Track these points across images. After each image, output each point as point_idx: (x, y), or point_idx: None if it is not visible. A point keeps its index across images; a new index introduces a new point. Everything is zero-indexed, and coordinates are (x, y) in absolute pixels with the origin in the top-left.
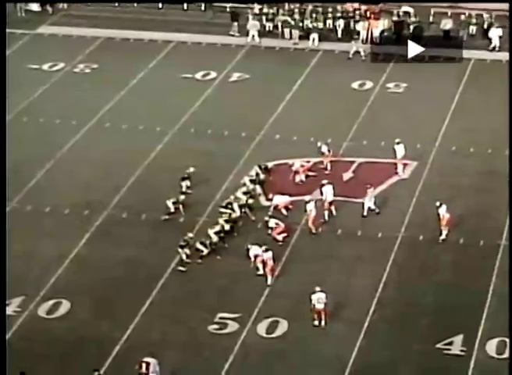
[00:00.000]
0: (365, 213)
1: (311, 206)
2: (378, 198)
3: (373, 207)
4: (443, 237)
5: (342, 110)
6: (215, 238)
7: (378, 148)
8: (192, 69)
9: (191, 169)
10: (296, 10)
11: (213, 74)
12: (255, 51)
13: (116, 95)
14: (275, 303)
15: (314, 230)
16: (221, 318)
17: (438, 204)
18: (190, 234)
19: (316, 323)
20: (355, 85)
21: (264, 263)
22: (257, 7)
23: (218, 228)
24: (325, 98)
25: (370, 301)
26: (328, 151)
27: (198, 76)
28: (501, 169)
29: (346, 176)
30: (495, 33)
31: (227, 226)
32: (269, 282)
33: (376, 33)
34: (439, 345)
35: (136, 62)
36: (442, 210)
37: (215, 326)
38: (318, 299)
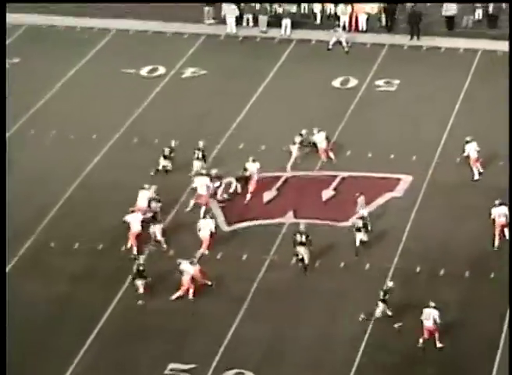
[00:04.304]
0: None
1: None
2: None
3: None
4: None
5: (320, 113)
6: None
7: (366, 160)
8: (136, 64)
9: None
10: None
11: (162, 70)
12: (213, 42)
13: (43, 96)
14: (240, 351)
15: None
16: (172, 370)
17: None
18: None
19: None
20: (336, 83)
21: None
22: None
23: None
24: (300, 99)
25: (355, 348)
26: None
27: (143, 71)
28: None
29: (326, 194)
30: None
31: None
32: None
33: (362, 18)
34: None
35: (66, 54)
36: None
37: None
38: (427, 316)
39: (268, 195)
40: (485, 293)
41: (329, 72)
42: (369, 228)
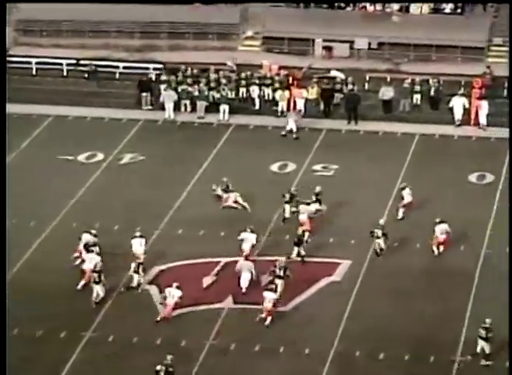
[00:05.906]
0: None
1: None
2: (305, 303)
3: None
4: None
5: (259, 198)
6: None
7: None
8: (74, 150)
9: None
10: (212, 77)
11: (100, 156)
12: (151, 127)
13: None
14: None
15: None
16: None
17: None
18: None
19: None
20: (274, 167)
21: None
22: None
23: None
24: (238, 184)
25: None
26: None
27: (81, 158)
28: (456, 269)
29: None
30: (458, 104)
31: None
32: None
33: (300, 103)
34: None
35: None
36: None
37: None
38: None
39: (207, 280)
40: None
41: (267, 157)
42: (388, 237)
